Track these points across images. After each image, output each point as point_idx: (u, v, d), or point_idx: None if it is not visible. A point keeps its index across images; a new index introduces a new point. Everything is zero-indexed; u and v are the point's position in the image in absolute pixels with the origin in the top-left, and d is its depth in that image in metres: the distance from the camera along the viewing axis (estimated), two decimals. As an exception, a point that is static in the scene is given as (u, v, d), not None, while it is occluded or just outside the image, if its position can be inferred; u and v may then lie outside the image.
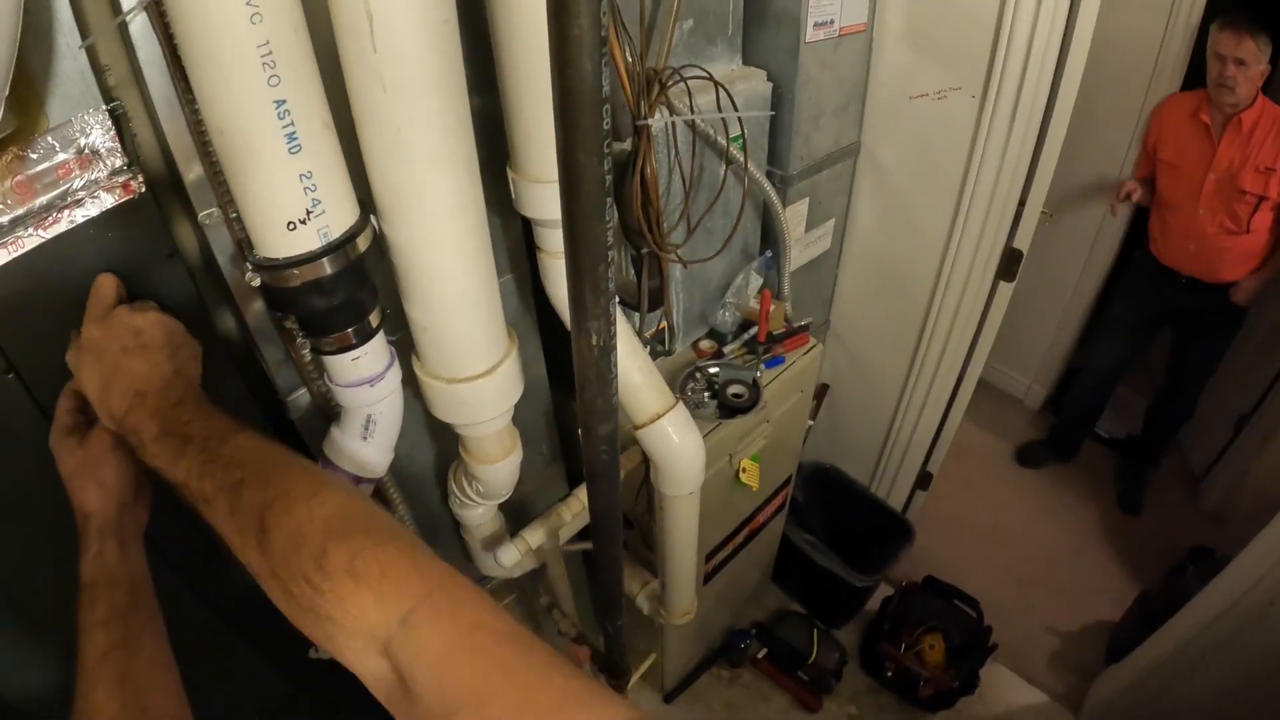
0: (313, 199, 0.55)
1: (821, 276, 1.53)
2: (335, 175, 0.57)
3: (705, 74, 0.93)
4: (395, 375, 0.69)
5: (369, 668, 0.44)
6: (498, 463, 0.81)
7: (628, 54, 0.81)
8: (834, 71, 1.25)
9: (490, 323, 0.71)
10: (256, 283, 0.58)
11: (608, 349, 0.60)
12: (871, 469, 1.92)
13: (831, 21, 1.19)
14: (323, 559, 0.44)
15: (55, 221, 0.59)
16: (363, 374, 0.66)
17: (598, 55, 0.43)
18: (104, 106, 0.58)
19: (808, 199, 1.31)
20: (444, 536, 1.04)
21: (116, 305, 0.60)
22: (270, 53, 0.49)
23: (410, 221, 0.62)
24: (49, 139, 0.57)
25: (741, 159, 1.05)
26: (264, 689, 0.99)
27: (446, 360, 0.71)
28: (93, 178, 0.60)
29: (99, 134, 0.59)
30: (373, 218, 0.63)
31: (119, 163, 0.60)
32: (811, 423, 1.52)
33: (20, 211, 0.58)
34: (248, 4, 0.47)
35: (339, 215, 0.58)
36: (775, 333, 1.24)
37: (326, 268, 0.58)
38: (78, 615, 0.57)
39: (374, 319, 0.65)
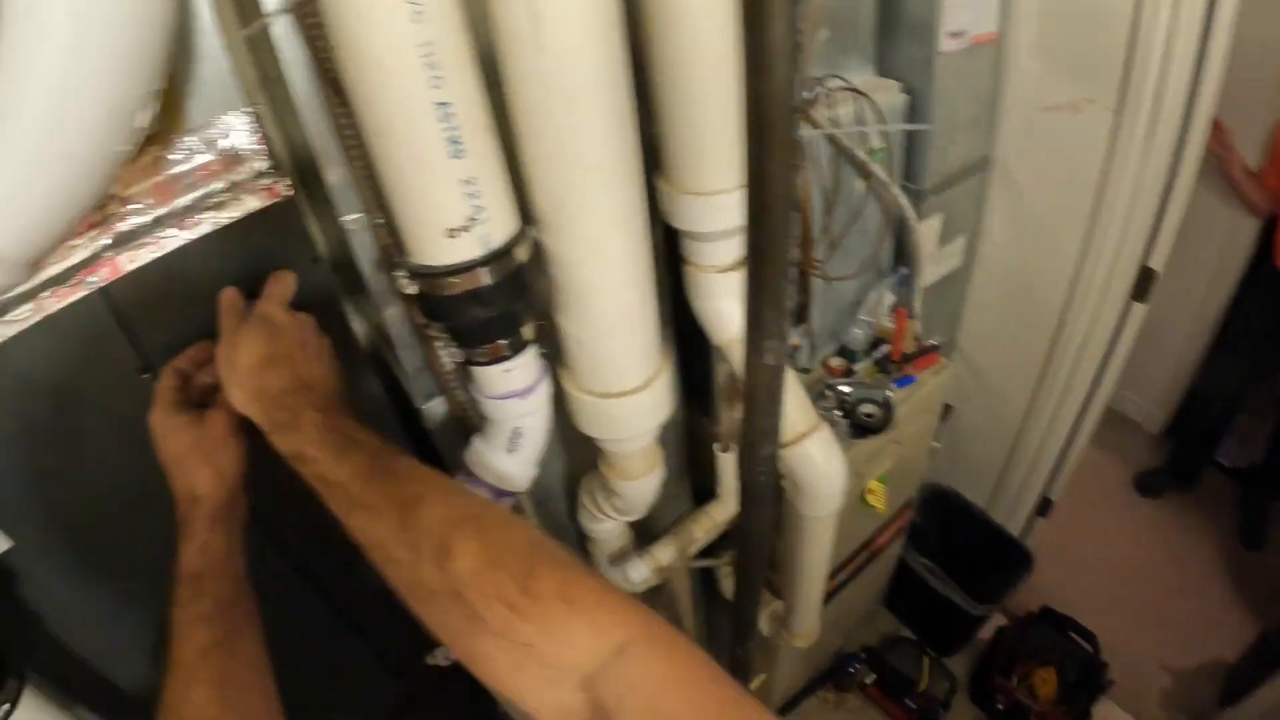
0: (475, 206, 0.51)
1: (950, 295, 1.42)
2: (497, 182, 0.53)
3: (849, 85, 0.86)
4: (546, 389, 0.65)
5: (552, 700, 0.40)
6: (640, 479, 0.76)
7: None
8: (967, 83, 1.15)
9: (647, 338, 0.66)
10: (412, 290, 0.55)
11: (781, 368, 0.55)
12: (990, 493, 1.78)
13: (964, 31, 1.10)
14: (529, 580, 0.41)
15: (198, 223, 0.57)
16: (513, 386, 0.62)
17: (792, 62, 0.39)
18: (245, 109, 0.56)
19: (941, 215, 1.21)
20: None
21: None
22: (432, 53, 0.45)
23: (574, 232, 0.57)
24: (190, 140, 0.55)
25: (880, 173, 0.97)
26: (373, 693, 0.96)
27: (600, 375, 0.66)
28: (235, 179, 0.58)
29: (241, 136, 0.57)
30: (531, 228, 0.58)
31: (262, 165, 0.58)
32: (936, 445, 1.41)
33: (162, 212, 0.56)
34: (409, 2, 0.44)
35: (500, 223, 0.54)
36: (907, 352, 1.15)
37: (487, 277, 0.54)
38: (173, 607, 0.53)
39: (528, 331, 0.60)
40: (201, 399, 0.59)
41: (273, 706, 0.55)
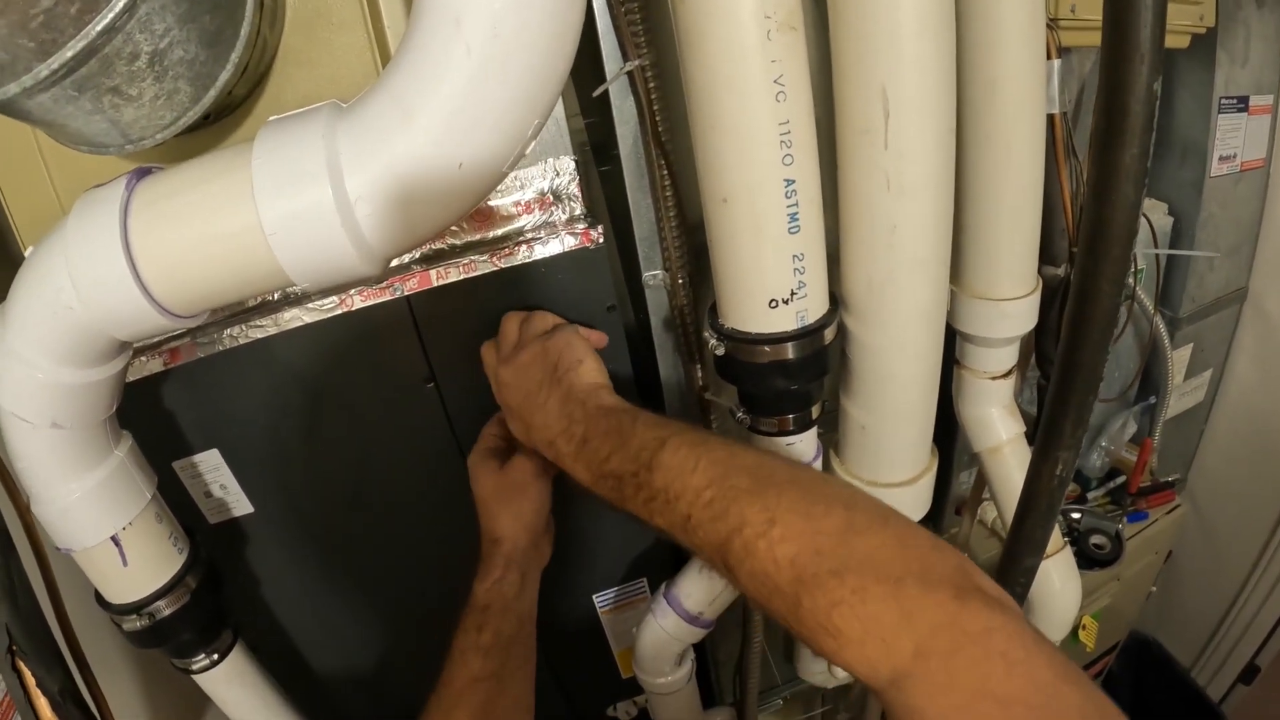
0: (799, 281, 0.50)
1: (1186, 432, 1.25)
2: (819, 262, 0.52)
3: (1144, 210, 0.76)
4: (817, 466, 0.60)
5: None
6: None
7: (1072, 178, 0.68)
8: (1231, 210, 1.04)
9: (925, 433, 0.62)
10: (720, 350, 0.54)
11: (1066, 481, 0.50)
12: (1198, 651, 1.49)
13: (1234, 155, 1.00)
14: (798, 611, 0.34)
15: (510, 254, 0.58)
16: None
17: (1141, 184, 0.38)
18: (572, 155, 0.57)
19: (1191, 345, 1.07)
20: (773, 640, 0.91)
21: None
22: (789, 132, 0.45)
23: (884, 321, 0.55)
24: (513, 177, 0.56)
25: (1143, 297, 0.86)
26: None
27: (875, 463, 0.63)
28: (550, 220, 0.59)
29: (563, 179, 0.58)
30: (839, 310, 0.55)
31: (578, 210, 0.59)
32: (1154, 589, 1.20)
33: (475, 238, 0.58)
34: (775, 82, 0.44)
35: (816, 302, 0.52)
36: (1143, 485, 0.99)
37: (795, 351, 0.52)
38: (457, 633, 0.53)
39: (815, 410, 0.57)
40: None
41: None
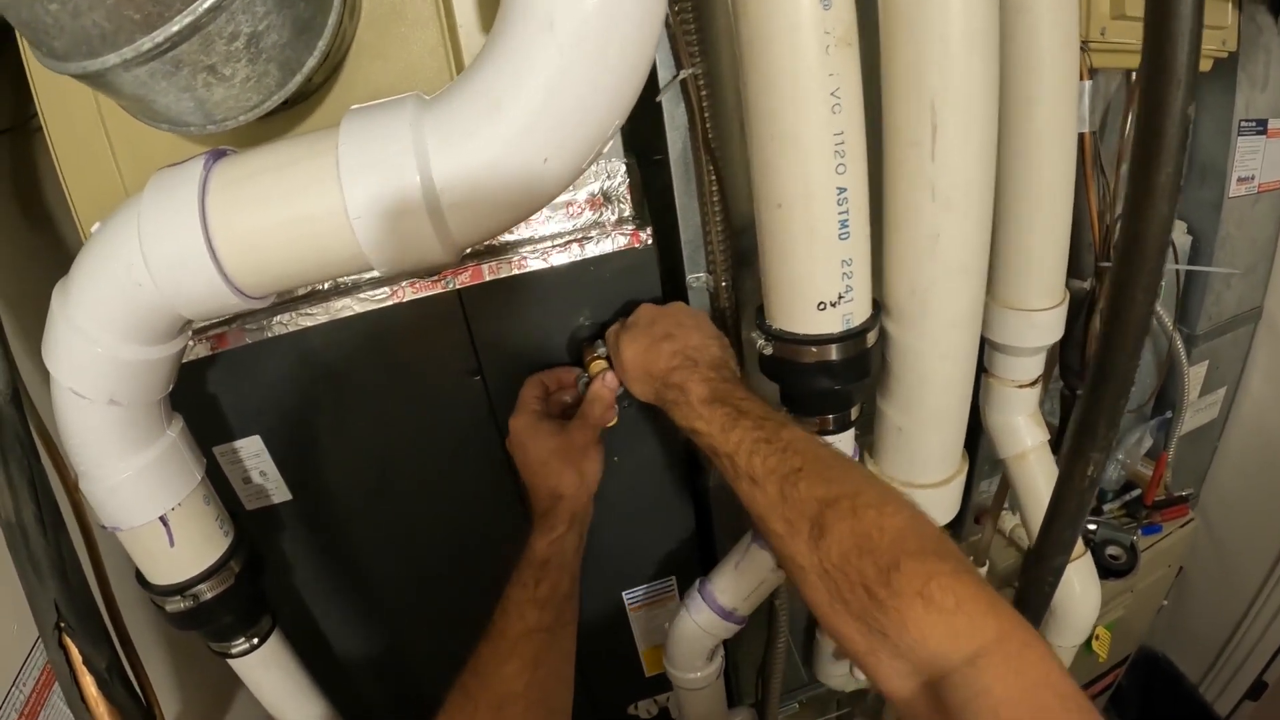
0: (846, 285, 0.53)
1: (1199, 448, 1.29)
2: (865, 267, 0.55)
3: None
4: (853, 468, 0.62)
5: (900, 689, 0.38)
6: None
7: (1100, 195, 0.72)
8: (1248, 230, 1.08)
9: (958, 437, 0.65)
10: (768, 350, 0.57)
11: (1097, 482, 0.53)
12: (1206, 667, 1.52)
13: (1252, 177, 1.04)
14: (892, 573, 0.38)
15: (561, 251, 0.60)
16: None
17: (1174, 200, 0.41)
18: (623, 159, 0.60)
19: (1207, 362, 1.10)
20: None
21: None
22: (843, 142, 0.49)
23: (924, 326, 0.58)
24: None
25: (1163, 314, 0.89)
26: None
27: (908, 465, 0.66)
28: (599, 220, 0.61)
29: (614, 182, 0.60)
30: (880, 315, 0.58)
31: (628, 211, 0.61)
32: (1165, 602, 1.23)
33: (525, 235, 0.60)
34: (832, 95, 0.47)
35: (861, 306, 0.56)
36: (1158, 499, 1.02)
37: (839, 352, 0.55)
38: (512, 586, 0.55)
39: (854, 412, 0.60)
40: (557, 413, 0.62)
41: (568, 699, 0.56)
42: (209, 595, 0.56)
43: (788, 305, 0.54)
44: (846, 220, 0.50)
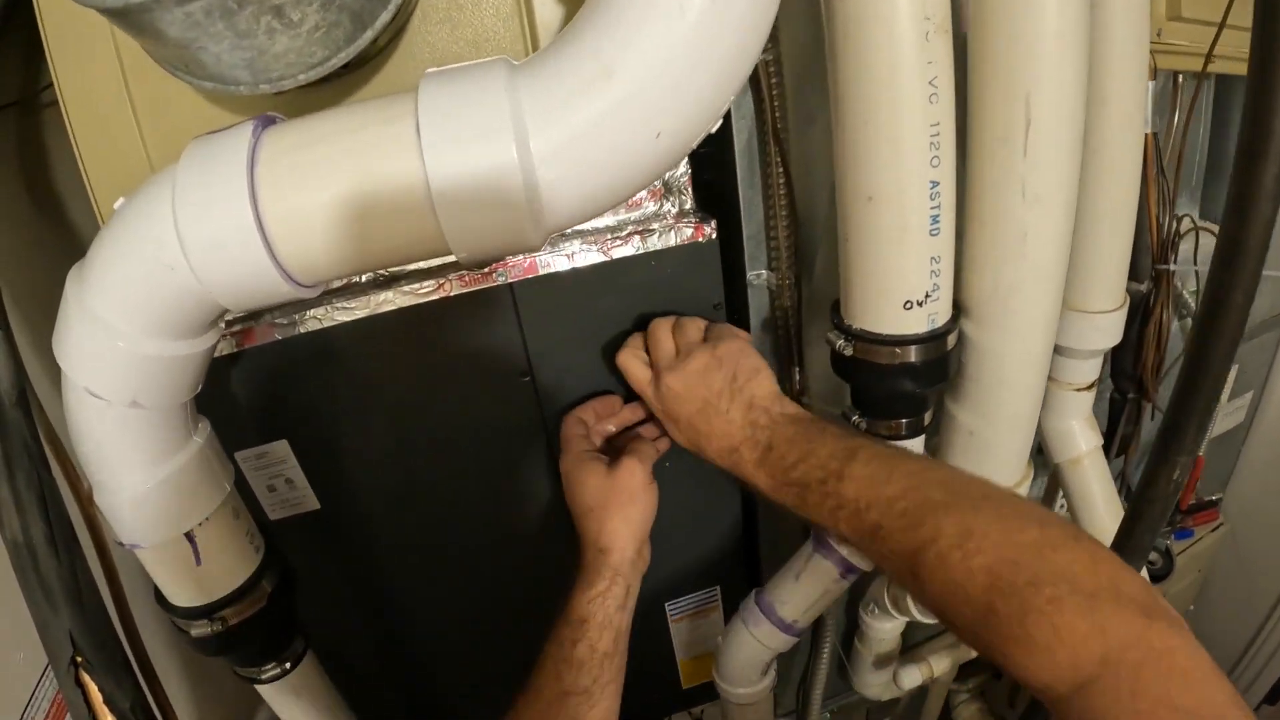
0: (934, 283, 0.52)
1: (1225, 452, 1.30)
2: (951, 266, 0.53)
3: (1196, 224, 0.81)
4: (921, 472, 0.61)
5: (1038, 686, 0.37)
6: None
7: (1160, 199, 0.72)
8: (1277, 231, 1.06)
9: (1028, 442, 0.64)
10: (848, 351, 0.55)
11: (1180, 487, 0.53)
12: (1228, 670, 1.53)
13: None
14: (989, 617, 0.37)
15: (621, 244, 0.58)
16: None
17: (1277, 202, 0.41)
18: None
19: (1236, 366, 1.10)
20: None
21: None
22: (938, 134, 0.47)
23: (1005, 326, 0.56)
24: None
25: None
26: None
27: (979, 468, 0.63)
28: (660, 212, 0.59)
29: (676, 172, 0.58)
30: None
31: (689, 203, 0.59)
32: (1192, 608, 1.24)
33: (582, 226, 0.58)
34: (930, 84, 0.46)
35: (945, 305, 0.54)
36: (1192, 502, 1.03)
37: (923, 354, 0.54)
38: (549, 642, 0.53)
39: (927, 417, 0.59)
40: (603, 445, 0.60)
41: None
42: (240, 617, 0.52)
43: (873, 304, 0.52)
44: (938, 216, 0.49)
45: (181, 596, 0.51)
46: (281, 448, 0.61)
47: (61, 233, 0.74)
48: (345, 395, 0.60)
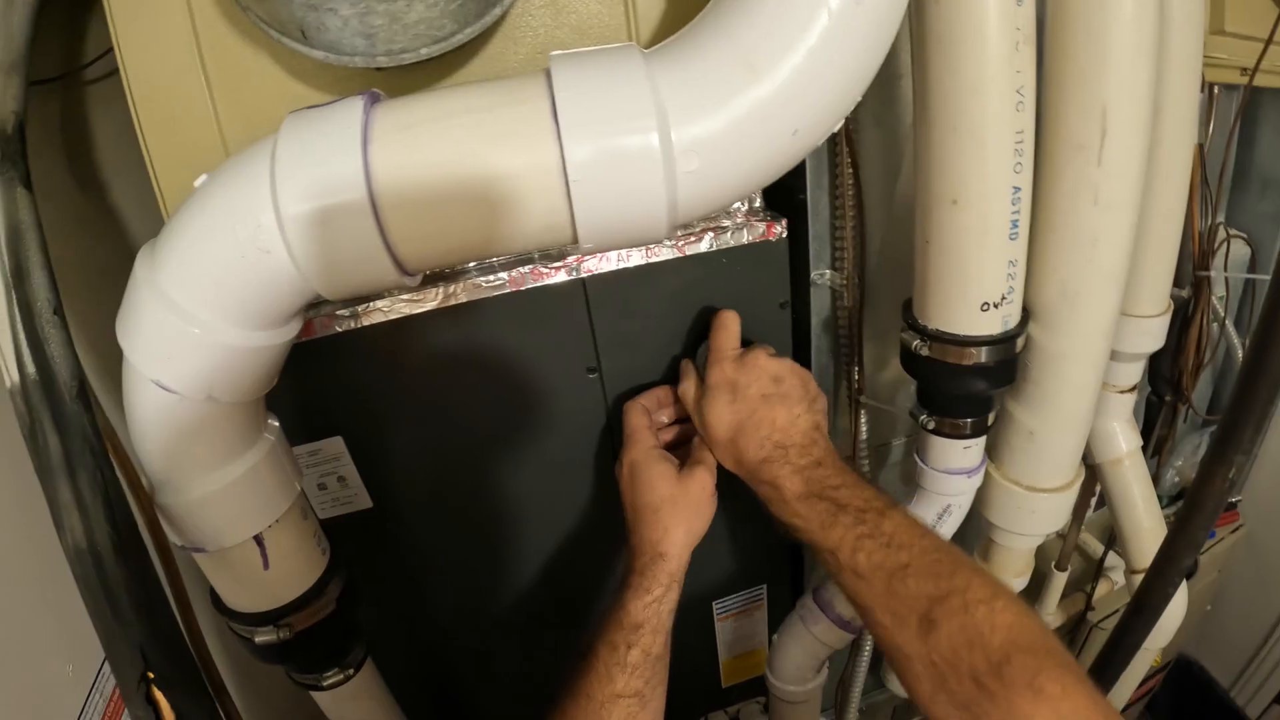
0: (1010, 286, 0.54)
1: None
2: (1024, 269, 0.55)
3: (1242, 236, 0.84)
4: (983, 472, 0.64)
5: None
6: (1014, 577, 0.75)
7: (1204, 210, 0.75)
8: None
9: (1082, 442, 0.66)
10: (924, 351, 0.57)
11: (1234, 485, 0.56)
12: (1239, 671, 1.59)
13: None
14: (1004, 667, 0.40)
15: (695, 240, 0.58)
16: (967, 464, 0.62)
17: None
18: None
19: (1257, 370, 1.14)
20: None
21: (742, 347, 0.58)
22: (1022, 140, 0.49)
23: (1071, 329, 0.58)
24: None
25: (1229, 324, 0.94)
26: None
27: (1034, 468, 0.66)
28: (732, 208, 0.60)
29: None
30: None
31: (758, 201, 0.60)
32: (1209, 608, 1.28)
33: None
34: (1018, 91, 0.48)
35: (1017, 308, 0.56)
36: (1214, 504, 1.07)
37: (995, 355, 0.56)
38: (601, 644, 0.53)
39: (991, 417, 0.60)
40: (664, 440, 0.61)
41: None
42: (305, 625, 0.50)
43: (951, 305, 0.54)
44: (1017, 220, 0.51)
45: (245, 602, 0.49)
46: (335, 444, 0.60)
47: (104, 211, 0.72)
48: (405, 391, 0.59)
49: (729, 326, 0.57)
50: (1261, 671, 1.54)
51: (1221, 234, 0.85)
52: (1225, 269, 0.89)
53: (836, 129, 0.42)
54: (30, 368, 0.40)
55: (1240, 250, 1.02)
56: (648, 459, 0.57)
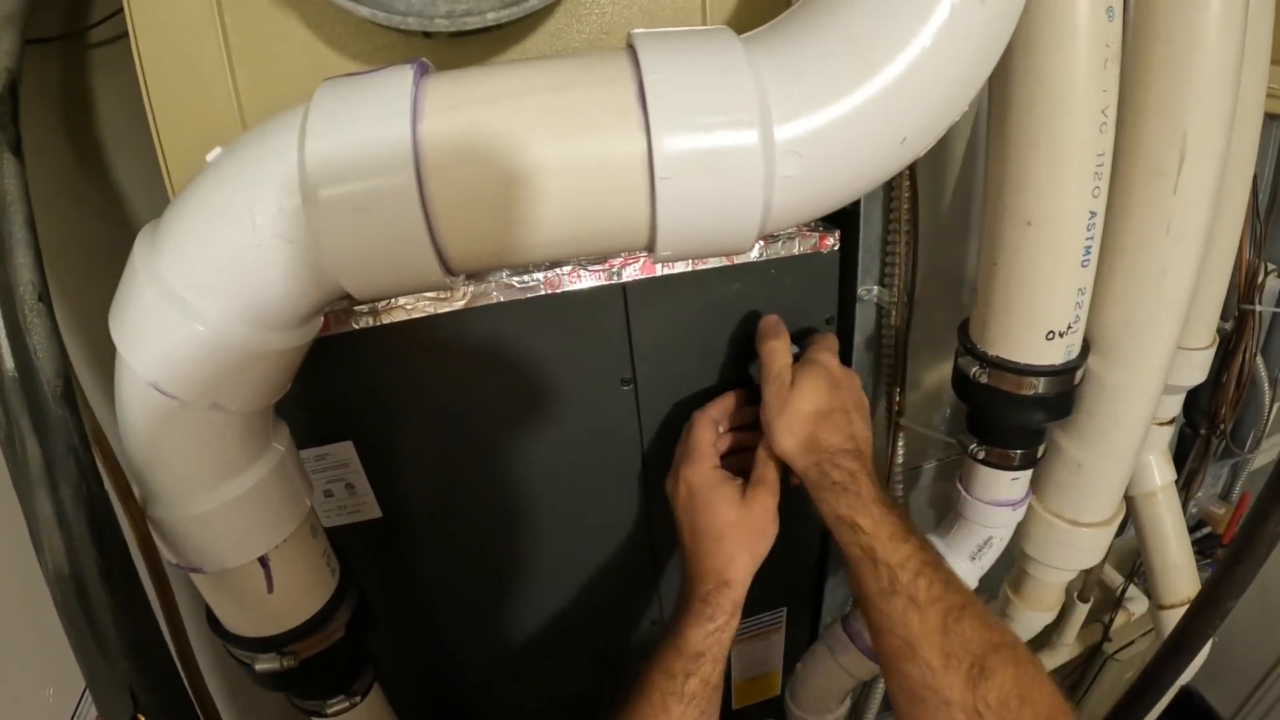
0: (1076, 315, 0.53)
1: (1255, 485, 1.34)
2: (1091, 298, 0.54)
3: (1277, 268, 0.85)
4: (1026, 505, 0.63)
5: None
6: (1044, 612, 0.74)
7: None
8: None
9: (1128, 477, 0.66)
10: (984, 379, 0.55)
11: None
12: (1241, 701, 1.61)
13: None
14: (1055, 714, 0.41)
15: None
16: (1013, 496, 0.61)
17: None
18: None
19: (1278, 405, 1.15)
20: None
21: None
22: (1102, 164, 0.48)
23: (1131, 361, 0.57)
24: None
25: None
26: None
27: (1079, 502, 0.65)
28: None
29: None
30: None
31: None
32: (1216, 639, 1.29)
33: None
34: (1103, 112, 0.46)
35: (1079, 338, 0.55)
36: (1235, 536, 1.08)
37: (1057, 386, 0.55)
38: (658, 673, 0.51)
39: (1041, 449, 0.59)
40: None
41: None
42: (311, 652, 0.47)
43: (1016, 331, 0.53)
44: (1090, 246, 0.50)
45: (245, 626, 0.45)
46: (345, 449, 0.57)
47: (103, 186, 0.68)
48: (424, 395, 0.57)
49: (831, 337, 0.59)
50: (1264, 704, 1.57)
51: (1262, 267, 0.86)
52: (1260, 301, 0.89)
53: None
54: (8, 362, 0.35)
55: (1274, 284, 1.03)
56: (709, 481, 0.55)
